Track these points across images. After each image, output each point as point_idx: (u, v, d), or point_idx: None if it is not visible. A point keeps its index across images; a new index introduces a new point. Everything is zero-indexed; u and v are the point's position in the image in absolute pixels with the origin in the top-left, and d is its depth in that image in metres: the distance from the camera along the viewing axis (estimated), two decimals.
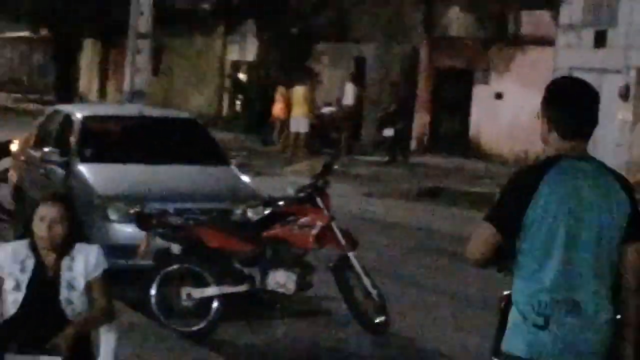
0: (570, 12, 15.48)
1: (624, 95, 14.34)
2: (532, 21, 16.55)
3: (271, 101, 16.96)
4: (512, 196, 2.26)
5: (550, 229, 2.24)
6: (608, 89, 13.84)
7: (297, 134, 15.80)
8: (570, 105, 2.28)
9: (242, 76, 19.37)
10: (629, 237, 2.23)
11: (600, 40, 15.12)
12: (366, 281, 5.85)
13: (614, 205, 2.26)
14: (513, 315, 2.30)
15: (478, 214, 8.58)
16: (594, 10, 15.18)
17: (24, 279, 3.31)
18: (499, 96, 16.99)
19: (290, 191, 6.54)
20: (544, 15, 15.99)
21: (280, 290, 5.91)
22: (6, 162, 9.21)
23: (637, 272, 2.27)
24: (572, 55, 15.50)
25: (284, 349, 6.14)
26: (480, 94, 17.59)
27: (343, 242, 5.91)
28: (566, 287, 2.26)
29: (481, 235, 2.27)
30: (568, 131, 2.24)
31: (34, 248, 3.32)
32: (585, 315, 2.25)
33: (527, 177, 2.28)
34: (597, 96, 2.30)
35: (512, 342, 2.30)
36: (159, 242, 6.01)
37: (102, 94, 26.37)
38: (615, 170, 2.41)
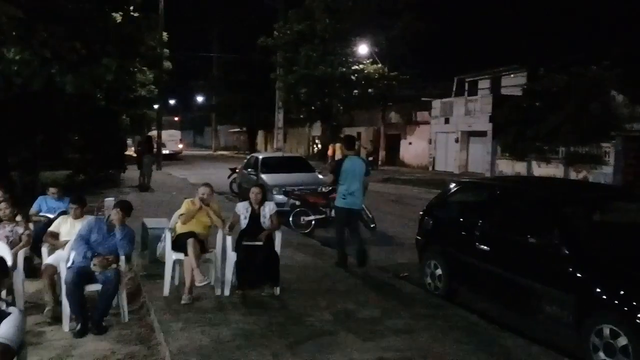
0: (435, 111, 30.16)
1: (457, 141, 28.70)
2: (421, 115, 32.10)
3: (327, 150, 32.22)
4: (337, 166, 8.03)
5: (348, 173, 7.77)
6: (452, 138, 28.98)
7: (336, 161, 32.59)
8: (349, 141, 8.56)
9: (317, 141, 36.56)
10: (364, 175, 7.94)
11: (447, 121, 29.09)
12: (367, 211, 10.96)
13: (362, 167, 7.89)
14: (338, 196, 7.97)
15: (409, 185, 21.88)
16: (443, 109, 29.52)
17: (247, 214, 6.67)
18: (410, 143, 33.71)
19: None
20: (425, 113, 31.57)
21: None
22: (234, 175, 17.35)
23: (365, 183, 7.99)
24: (437, 127, 30.19)
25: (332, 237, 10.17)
26: (403, 144, 34.15)
27: None
28: (351, 188, 7.80)
29: (329, 176, 8.96)
30: (349, 147, 8.38)
31: (250, 203, 6.75)
32: (356, 196, 7.83)
33: (340, 161, 8.13)
34: (354, 139, 9.21)
35: (338, 203, 8.02)
36: (292, 200, 11.88)
37: (266, 149, 49.81)
38: (363, 158, 8.97)
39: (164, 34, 25.66)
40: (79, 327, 5.48)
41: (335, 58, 31.76)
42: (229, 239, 6.58)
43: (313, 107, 33.67)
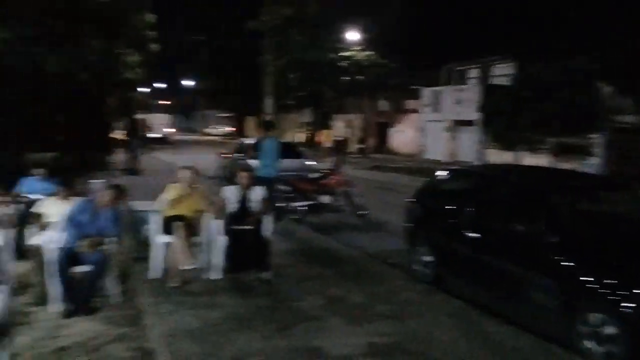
0: (424, 99, 30.42)
1: (446, 129, 28.86)
2: (410, 103, 31.82)
3: (314, 136, 34.17)
4: (258, 144, 10.09)
5: (266, 150, 9.80)
6: (441, 126, 29.08)
7: (325, 148, 31.67)
8: (267, 125, 11.00)
9: (308, 127, 35.57)
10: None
11: (436, 109, 29.45)
12: (356, 198, 11.36)
13: (277, 145, 10.01)
14: (259, 167, 9.81)
15: (399, 173, 22.06)
16: (432, 98, 29.89)
17: (235, 199, 6.84)
18: (399, 131, 33.82)
19: (327, 167, 12.90)
20: (416, 101, 31.10)
21: (325, 202, 11.15)
22: (224, 160, 17.32)
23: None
24: (426, 115, 30.35)
25: (327, 222, 11.10)
26: (393, 132, 33.94)
27: (347, 184, 11.54)
28: (268, 162, 10.12)
29: (250, 152, 10.60)
30: (268, 130, 10.54)
31: (238, 188, 6.93)
32: (272, 167, 9.87)
33: (259, 139, 10.32)
34: (272, 123, 12.04)
35: (259, 173, 9.39)
36: (282, 186, 10.99)
37: (254, 135, 46.37)
38: (279, 140, 10.79)
39: (152, 15, 25.30)
40: (67, 307, 5.45)
41: (326, 42, 31.58)
42: (217, 223, 6.56)
43: (303, 93, 33.53)
